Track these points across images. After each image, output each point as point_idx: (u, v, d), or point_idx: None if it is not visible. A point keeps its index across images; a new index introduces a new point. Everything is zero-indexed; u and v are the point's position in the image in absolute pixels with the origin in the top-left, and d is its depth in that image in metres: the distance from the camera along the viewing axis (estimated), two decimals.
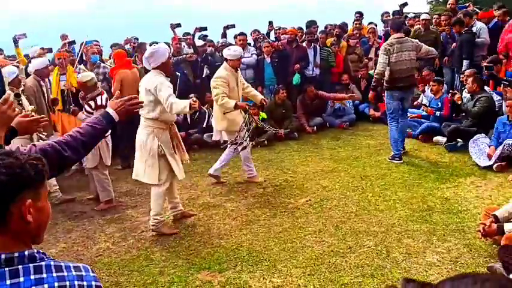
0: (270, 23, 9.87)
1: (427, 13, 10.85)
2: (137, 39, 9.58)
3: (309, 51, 8.78)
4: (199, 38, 9.26)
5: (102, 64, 7.74)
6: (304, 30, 9.50)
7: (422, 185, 5.51)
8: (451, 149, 6.69)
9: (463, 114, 7.38)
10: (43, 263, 1.24)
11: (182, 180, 5.19)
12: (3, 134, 2.10)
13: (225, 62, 5.73)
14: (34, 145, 1.97)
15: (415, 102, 8.09)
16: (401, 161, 6.34)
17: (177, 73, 7.86)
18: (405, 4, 10.12)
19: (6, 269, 1.19)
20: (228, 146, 5.70)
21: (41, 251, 1.27)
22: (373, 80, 6.53)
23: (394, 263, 3.79)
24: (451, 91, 7.14)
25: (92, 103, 5.29)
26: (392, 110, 6.42)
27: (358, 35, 9.72)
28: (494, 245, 3.89)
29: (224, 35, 9.36)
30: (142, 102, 2.60)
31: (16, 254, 1.21)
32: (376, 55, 8.26)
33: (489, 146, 6.08)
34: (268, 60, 8.57)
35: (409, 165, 6.26)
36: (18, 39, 8.24)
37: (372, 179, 5.80)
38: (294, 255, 4.01)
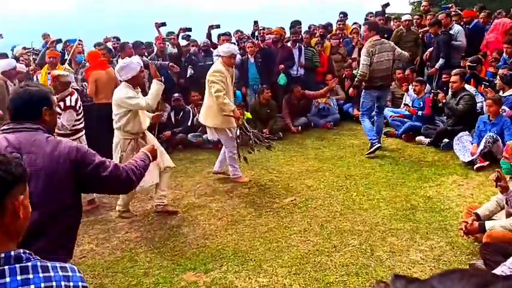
0: (255, 22, 9.86)
1: (410, 14, 11.00)
2: (119, 39, 9.46)
3: (294, 51, 8.80)
4: (182, 38, 9.20)
5: (87, 64, 7.63)
6: (289, 30, 9.51)
7: (405, 184, 5.57)
8: (444, 148, 6.78)
9: (443, 113, 7.49)
10: (29, 264, 1.23)
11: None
12: None
13: (220, 58, 5.72)
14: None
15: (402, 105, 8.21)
16: (380, 144, 6.72)
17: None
18: (387, 4, 10.22)
19: None
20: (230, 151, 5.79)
21: (27, 251, 1.26)
22: (356, 79, 6.71)
23: (378, 262, 3.82)
24: (433, 91, 7.23)
25: (61, 104, 5.06)
26: (367, 108, 6.74)
27: (341, 35, 9.78)
28: (476, 243, 3.96)
29: (209, 35, 9.33)
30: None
31: (2, 255, 1.20)
32: (360, 55, 8.34)
33: (472, 144, 6.19)
34: (252, 60, 8.57)
35: (393, 164, 6.33)
36: None
37: (356, 178, 5.85)
38: (280, 255, 4.02)
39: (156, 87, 4.71)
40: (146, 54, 8.14)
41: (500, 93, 6.52)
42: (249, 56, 8.57)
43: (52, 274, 1.25)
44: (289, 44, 8.95)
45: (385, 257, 3.90)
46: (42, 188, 2.10)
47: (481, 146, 5.91)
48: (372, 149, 6.63)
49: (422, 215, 4.69)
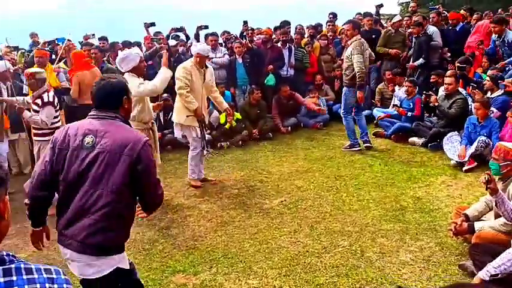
0: (245, 22, 9.85)
1: (400, 15, 11.13)
2: (106, 39, 9.37)
3: (284, 51, 8.79)
4: (171, 38, 9.16)
5: None
6: (278, 30, 9.50)
7: (395, 185, 5.59)
8: (433, 148, 6.81)
9: (433, 114, 7.54)
10: (13, 266, 1.21)
11: None
12: None
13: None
14: None
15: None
16: (360, 148, 7.02)
17: None
18: (381, 5, 10.35)
19: None
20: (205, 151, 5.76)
21: (11, 254, 1.24)
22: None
23: (368, 263, 3.82)
24: (425, 92, 7.25)
25: (38, 101, 5.08)
26: (350, 106, 6.93)
27: (330, 36, 9.79)
28: (465, 243, 3.98)
29: (197, 36, 9.29)
30: None
31: None
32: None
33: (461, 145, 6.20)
34: (240, 60, 8.55)
35: (382, 165, 6.34)
36: None
37: (346, 179, 5.85)
38: (270, 256, 4.00)
39: (164, 71, 5.05)
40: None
41: (488, 94, 6.57)
42: (237, 56, 8.54)
43: (36, 276, 1.23)
44: (279, 44, 8.94)
45: (375, 258, 3.90)
46: (103, 168, 2.38)
47: (472, 149, 5.93)
48: (350, 148, 7.02)
49: (412, 215, 4.70)
